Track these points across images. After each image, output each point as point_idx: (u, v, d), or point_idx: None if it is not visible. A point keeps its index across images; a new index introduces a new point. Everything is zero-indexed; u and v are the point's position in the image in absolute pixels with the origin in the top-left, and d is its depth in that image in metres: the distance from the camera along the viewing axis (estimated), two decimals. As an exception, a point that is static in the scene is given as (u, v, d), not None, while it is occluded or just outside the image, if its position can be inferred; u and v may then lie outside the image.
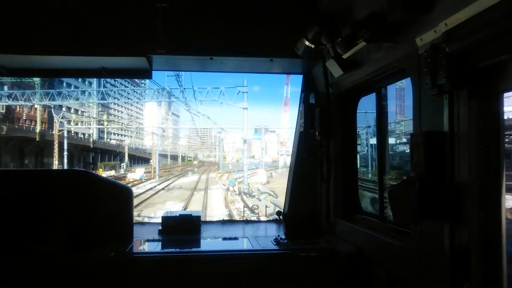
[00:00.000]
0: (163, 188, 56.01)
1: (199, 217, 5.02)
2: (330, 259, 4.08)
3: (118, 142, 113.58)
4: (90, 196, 4.32)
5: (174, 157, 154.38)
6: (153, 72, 5.13)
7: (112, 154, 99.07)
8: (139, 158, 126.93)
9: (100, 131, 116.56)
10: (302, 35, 4.15)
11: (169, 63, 5.03)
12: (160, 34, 4.25)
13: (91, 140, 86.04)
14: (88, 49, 4.40)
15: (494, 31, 2.22)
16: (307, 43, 4.13)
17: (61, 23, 4.36)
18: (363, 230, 4.16)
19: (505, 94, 2.57)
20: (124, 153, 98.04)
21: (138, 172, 77.38)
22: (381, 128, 4.35)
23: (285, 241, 4.40)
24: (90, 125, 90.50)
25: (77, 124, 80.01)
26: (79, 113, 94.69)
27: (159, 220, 5.00)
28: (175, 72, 41.91)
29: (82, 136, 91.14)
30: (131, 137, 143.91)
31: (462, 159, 2.65)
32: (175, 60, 4.86)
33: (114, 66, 4.95)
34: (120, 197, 4.47)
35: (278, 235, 4.57)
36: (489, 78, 2.52)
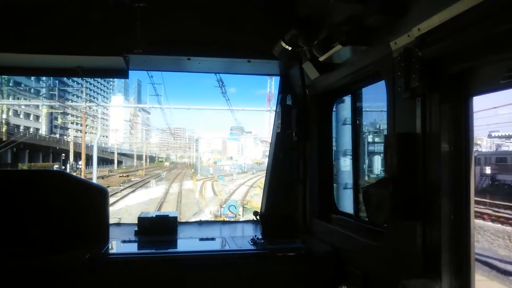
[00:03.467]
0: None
1: (175, 217, 4.99)
2: (306, 259, 4.12)
3: (65, 138, 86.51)
4: (65, 197, 4.25)
5: (146, 158, 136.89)
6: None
7: (51, 152, 76.27)
8: (97, 159, 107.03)
9: (54, 126, 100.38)
10: (279, 37, 4.19)
11: (146, 63, 4.99)
12: (137, 33, 4.21)
13: (3, 129, 61.01)
14: (64, 47, 4.32)
15: (465, 37, 2.30)
16: (284, 45, 4.17)
17: (37, 21, 4.27)
18: (339, 230, 4.22)
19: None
20: (70, 151, 65.73)
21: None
22: (357, 130, 4.43)
23: (262, 241, 4.43)
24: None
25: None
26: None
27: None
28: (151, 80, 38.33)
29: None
30: (80, 132, 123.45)
31: (434, 161, 2.73)
32: (152, 60, 4.82)
33: (90, 65, 4.88)
34: (96, 198, 4.41)
35: (255, 235, 4.59)
36: (460, 82, 2.61)
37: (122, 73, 5.08)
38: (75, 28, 4.33)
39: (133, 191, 47.61)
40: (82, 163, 56.73)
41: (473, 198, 2.65)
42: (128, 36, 4.27)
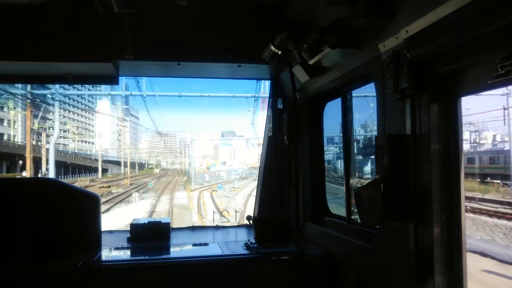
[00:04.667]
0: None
1: (168, 223, 4.96)
2: (300, 262, 4.12)
3: (39, 144, 69.28)
4: (58, 204, 4.21)
5: (134, 165, 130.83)
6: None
7: (17, 160, 69.16)
8: (78, 167, 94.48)
9: (34, 133, 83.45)
10: (269, 41, 4.21)
11: (136, 68, 4.98)
12: (127, 39, 4.20)
13: None
14: (53, 54, 4.31)
15: (452, 39, 2.33)
16: (274, 49, 4.19)
17: (26, 28, 4.25)
18: (331, 232, 4.23)
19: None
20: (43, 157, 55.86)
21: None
22: (347, 133, 4.45)
23: (255, 245, 4.42)
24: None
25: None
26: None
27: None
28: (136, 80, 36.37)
29: None
30: (73, 140, 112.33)
31: (424, 161, 2.75)
32: (142, 65, 4.81)
33: (80, 72, 4.86)
34: (88, 205, 4.38)
35: (248, 240, 4.58)
36: (448, 82, 2.64)
37: (112, 79, 5.07)
38: (65, 35, 4.31)
39: (107, 210, 35.39)
40: (26, 173, 43.58)
41: (463, 198, 2.67)
42: (117, 42, 4.26)
